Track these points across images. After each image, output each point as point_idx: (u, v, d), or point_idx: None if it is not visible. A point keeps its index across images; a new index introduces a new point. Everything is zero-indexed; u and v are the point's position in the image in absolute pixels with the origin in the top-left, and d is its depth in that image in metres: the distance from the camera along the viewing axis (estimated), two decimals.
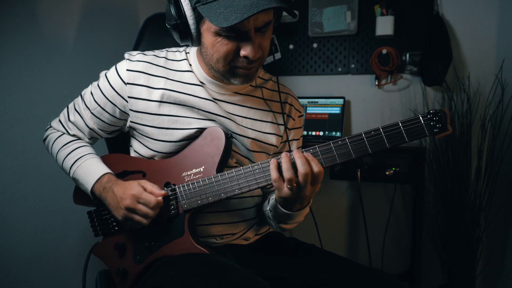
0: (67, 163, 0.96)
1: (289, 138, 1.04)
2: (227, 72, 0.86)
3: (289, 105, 1.03)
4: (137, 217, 0.86)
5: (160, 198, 0.85)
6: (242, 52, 0.81)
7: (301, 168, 0.77)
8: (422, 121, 0.75)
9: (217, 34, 0.80)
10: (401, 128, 0.75)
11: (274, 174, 0.79)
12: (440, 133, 0.75)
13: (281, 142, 1.02)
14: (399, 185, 2.01)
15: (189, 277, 0.77)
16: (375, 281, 0.85)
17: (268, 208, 0.98)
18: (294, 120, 1.04)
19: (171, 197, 0.89)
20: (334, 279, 0.87)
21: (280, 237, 1.08)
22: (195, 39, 0.85)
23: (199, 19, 0.82)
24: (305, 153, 0.79)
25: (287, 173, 0.77)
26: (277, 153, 1.02)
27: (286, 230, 1.01)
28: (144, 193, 0.84)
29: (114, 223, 0.96)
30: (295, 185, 0.78)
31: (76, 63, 1.47)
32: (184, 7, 0.81)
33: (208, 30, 0.82)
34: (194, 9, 0.81)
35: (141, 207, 0.84)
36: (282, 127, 1.00)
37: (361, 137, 0.77)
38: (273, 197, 0.93)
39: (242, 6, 0.74)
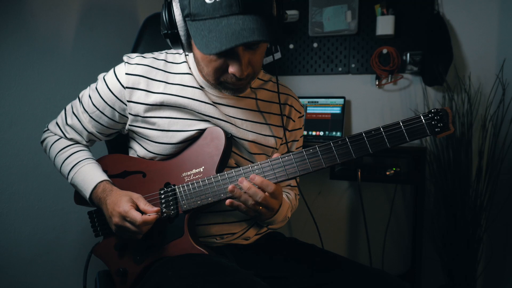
0: (65, 169, 0.96)
1: (289, 140, 1.03)
2: (218, 85, 0.87)
3: (289, 106, 1.02)
4: (128, 234, 0.86)
5: (148, 216, 0.82)
6: (230, 69, 0.80)
7: (256, 197, 0.79)
8: (423, 120, 0.74)
9: None
10: (402, 127, 0.75)
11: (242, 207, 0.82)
12: (441, 132, 0.74)
13: (281, 144, 1.01)
14: (400, 185, 2.01)
15: (188, 277, 0.76)
16: (376, 281, 0.85)
17: None
18: (294, 121, 1.03)
19: (170, 197, 0.89)
20: (335, 279, 0.87)
21: (280, 237, 1.08)
22: (186, 49, 0.85)
23: (189, 31, 0.81)
24: (252, 177, 0.80)
25: (247, 202, 0.80)
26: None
27: (277, 229, 1.02)
28: (130, 211, 0.82)
29: None
30: (260, 207, 0.81)
31: (75, 63, 1.46)
32: (176, 17, 0.80)
33: None
34: (184, 21, 0.80)
35: (128, 225, 0.83)
36: (282, 129, 1.00)
37: (362, 136, 0.77)
38: None
39: (224, 34, 0.72)
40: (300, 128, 1.06)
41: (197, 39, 0.75)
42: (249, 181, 0.80)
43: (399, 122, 0.75)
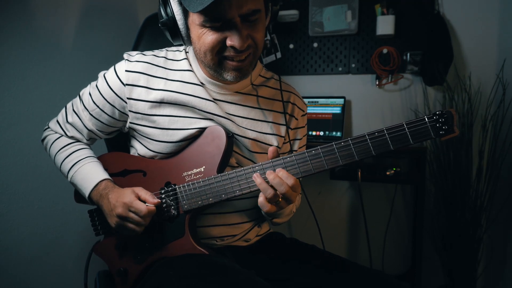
0: (65, 168, 0.96)
1: (292, 138, 1.02)
2: (217, 65, 0.84)
3: (292, 104, 1.01)
4: (130, 225, 0.85)
5: (152, 206, 0.84)
6: (228, 42, 0.78)
7: (280, 188, 0.77)
8: (427, 122, 0.72)
9: (202, 25, 0.78)
10: (406, 129, 0.73)
11: (261, 198, 0.79)
12: (446, 135, 0.72)
13: (283, 143, 1.01)
14: (400, 185, 2.01)
15: (189, 277, 0.76)
16: (375, 282, 0.85)
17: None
18: (297, 119, 1.02)
19: (171, 197, 0.89)
20: (334, 280, 0.86)
21: (280, 238, 1.07)
22: (185, 36, 0.84)
23: (185, 13, 0.82)
24: (277, 170, 0.79)
25: (267, 192, 0.78)
26: (280, 154, 1.02)
27: (280, 224, 1.01)
28: (135, 201, 0.84)
29: None
30: (280, 200, 0.79)
31: (75, 63, 1.46)
32: (171, 3, 0.81)
33: (193, 23, 0.80)
34: (180, 3, 0.81)
35: (132, 215, 0.84)
36: (284, 127, 0.99)
37: (365, 138, 0.75)
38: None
39: None
40: (303, 127, 1.05)
41: (191, 4, 0.75)
42: (275, 173, 0.78)
43: (403, 124, 0.73)
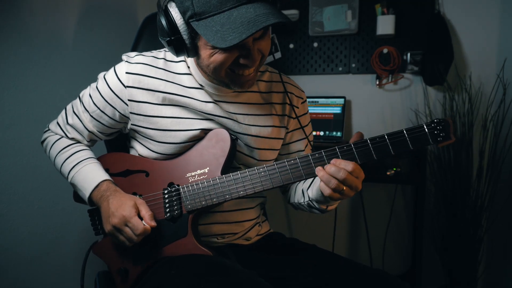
0: (65, 169, 0.95)
1: (296, 128, 1.02)
2: (226, 77, 0.84)
3: (289, 93, 1.00)
4: (122, 238, 0.85)
5: (148, 226, 0.82)
6: (241, 61, 0.80)
7: (338, 175, 0.75)
8: (426, 129, 0.78)
9: (214, 47, 0.78)
10: (406, 136, 0.78)
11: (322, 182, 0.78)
12: (443, 141, 0.79)
13: (287, 132, 1.01)
14: (400, 185, 2.01)
15: (190, 277, 0.76)
16: (376, 281, 0.85)
17: (308, 199, 0.94)
18: (297, 108, 1.01)
19: (174, 198, 0.89)
20: (335, 279, 0.87)
21: (281, 238, 1.07)
22: (191, 52, 0.82)
23: (194, 34, 0.78)
24: (332, 160, 0.78)
25: (330, 183, 0.76)
26: (286, 144, 1.02)
27: (330, 211, 0.97)
28: (134, 218, 0.82)
29: None
30: (344, 188, 0.77)
31: (74, 63, 1.46)
32: (177, 22, 0.77)
33: (205, 45, 0.79)
34: (187, 23, 0.77)
35: (127, 230, 0.83)
36: (285, 118, 0.99)
37: (366, 143, 0.79)
38: (315, 188, 0.89)
39: (239, 24, 0.71)
40: (306, 113, 1.04)
41: (210, 36, 0.73)
42: (332, 163, 0.77)
43: (403, 131, 0.78)
